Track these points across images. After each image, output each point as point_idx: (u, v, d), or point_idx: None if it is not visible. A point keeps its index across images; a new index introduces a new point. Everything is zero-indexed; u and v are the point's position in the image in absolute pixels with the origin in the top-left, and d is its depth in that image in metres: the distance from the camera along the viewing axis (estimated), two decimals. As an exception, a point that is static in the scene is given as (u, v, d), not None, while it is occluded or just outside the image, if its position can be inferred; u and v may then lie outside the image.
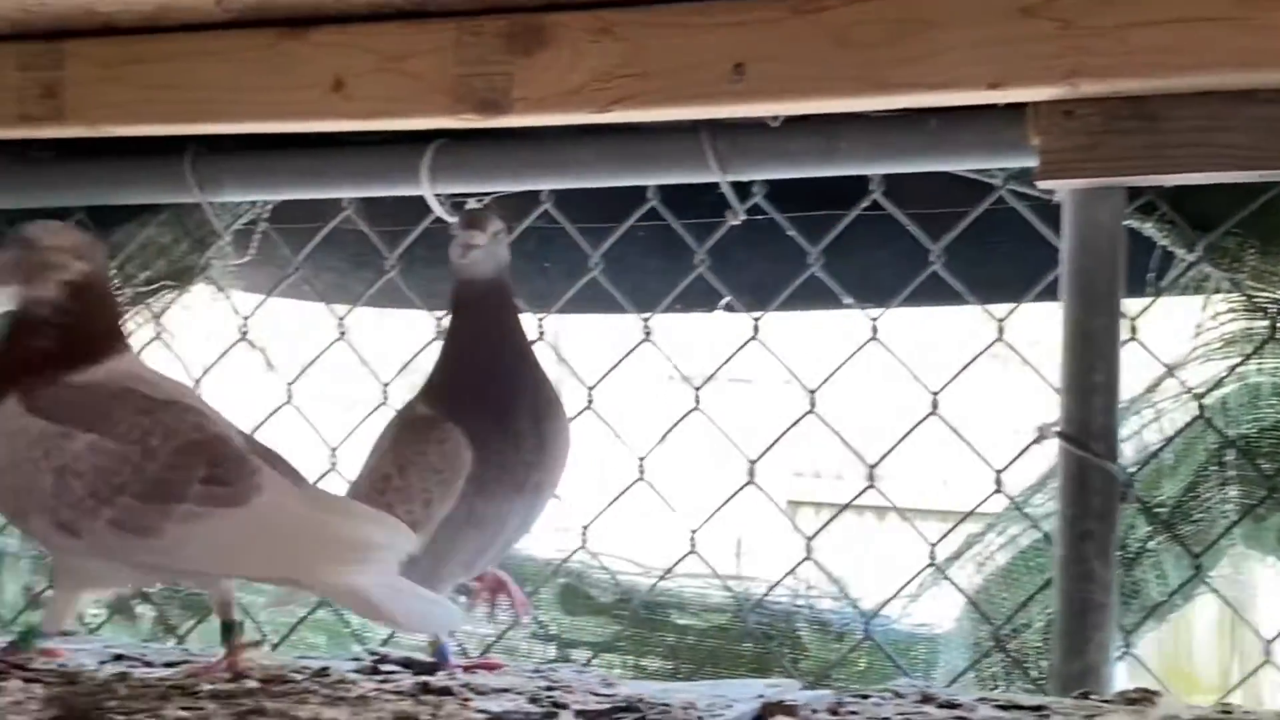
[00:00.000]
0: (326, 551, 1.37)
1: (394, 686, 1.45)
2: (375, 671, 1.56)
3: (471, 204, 1.94)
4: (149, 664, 1.58)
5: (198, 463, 1.36)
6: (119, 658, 1.60)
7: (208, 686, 1.35)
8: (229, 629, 1.45)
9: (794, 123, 1.72)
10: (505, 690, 1.46)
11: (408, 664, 1.60)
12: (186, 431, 1.39)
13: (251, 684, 1.39)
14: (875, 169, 1.75)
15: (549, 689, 1.47)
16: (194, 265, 2.15)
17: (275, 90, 1.78)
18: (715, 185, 1.82)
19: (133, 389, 1.43)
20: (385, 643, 1.96)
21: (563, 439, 1.59)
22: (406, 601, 1.38)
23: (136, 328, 2.16)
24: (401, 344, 2.07)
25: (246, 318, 2.09)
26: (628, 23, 1.65)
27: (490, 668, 1.59)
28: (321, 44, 1.76)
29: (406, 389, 1.83)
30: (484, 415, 1.54)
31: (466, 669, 1.57)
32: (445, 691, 1.43)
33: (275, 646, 2.00)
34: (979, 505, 1.78)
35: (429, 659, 1.58)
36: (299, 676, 1.46)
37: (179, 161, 1.99)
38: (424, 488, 1.54)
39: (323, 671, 1.49)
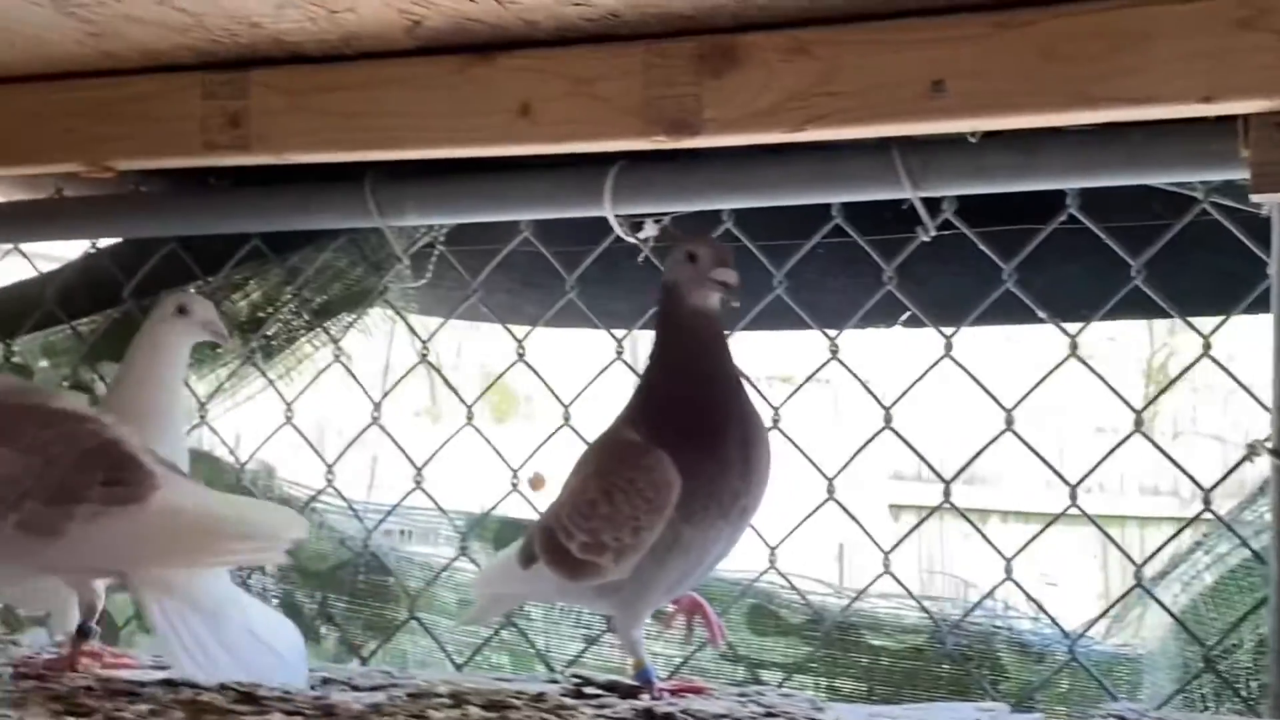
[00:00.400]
0: (219, 544, 1.48)
1: (614, 713, 1.45)
2: (580, 695, 1.56)
3: (649, 224, 1.94)
4: (356, 687, 1.59)
5: (97, 466, 1.49)
6: (326, 681, 1.62)
7: (437, 714, 1.36)
8: (84, 632, 1.57)
9: (990, 137, 1.69)
10: (723, 716, 1.46)
11: (611, 687, 1.59)
12: (84, 439, 1.52)
13: (476, 710, 1.40)
14: (1073, 183, 1.71)
15: (767, 715, 1.47)
16: (371, 288, 2.16)
17: (462, 116, 1.78)
18: (897, 200, 1.80)
19: (34, 405, 1.57)
20: (571, 664, 1.97)
21: (766, 464, 1.58)
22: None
23: (314, 350, 2.19)
24: (575, 365, 2.08)
25: (425, 341, 2.10)
26: (823, 41, 1.63)
27: (696, 691, 1.58)
28: (510, 69, 1.75)
29: (593, 411, 1.84)
30: (693, 442, 1.53)
31: (673, 692, 1.56)
32: (669, 718, 1.43)
33: (460, 667, 2.01)
34: (1190, 522, 1.75)
35: (631, 681, 1.58)
36: (517, 702, 1.46)
37: (359, 187, 1.99)
38: (632, 515, 1.53)
39: (539, 697, 1.50)
